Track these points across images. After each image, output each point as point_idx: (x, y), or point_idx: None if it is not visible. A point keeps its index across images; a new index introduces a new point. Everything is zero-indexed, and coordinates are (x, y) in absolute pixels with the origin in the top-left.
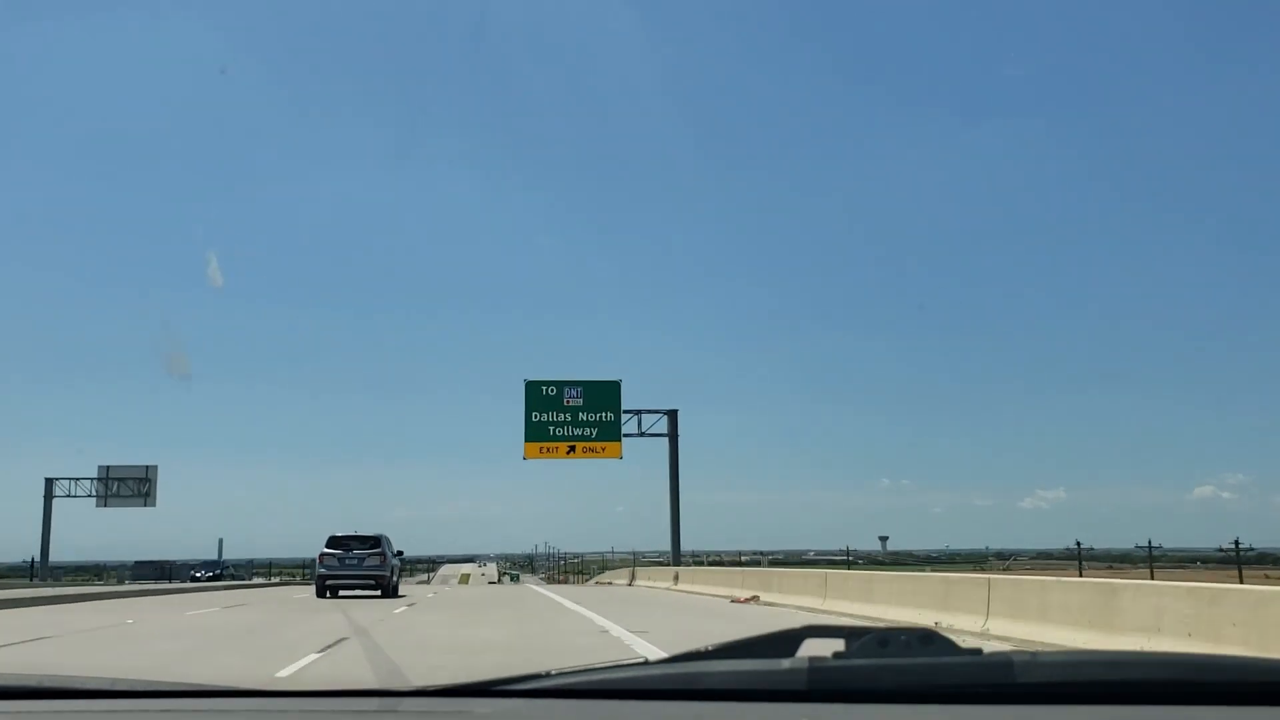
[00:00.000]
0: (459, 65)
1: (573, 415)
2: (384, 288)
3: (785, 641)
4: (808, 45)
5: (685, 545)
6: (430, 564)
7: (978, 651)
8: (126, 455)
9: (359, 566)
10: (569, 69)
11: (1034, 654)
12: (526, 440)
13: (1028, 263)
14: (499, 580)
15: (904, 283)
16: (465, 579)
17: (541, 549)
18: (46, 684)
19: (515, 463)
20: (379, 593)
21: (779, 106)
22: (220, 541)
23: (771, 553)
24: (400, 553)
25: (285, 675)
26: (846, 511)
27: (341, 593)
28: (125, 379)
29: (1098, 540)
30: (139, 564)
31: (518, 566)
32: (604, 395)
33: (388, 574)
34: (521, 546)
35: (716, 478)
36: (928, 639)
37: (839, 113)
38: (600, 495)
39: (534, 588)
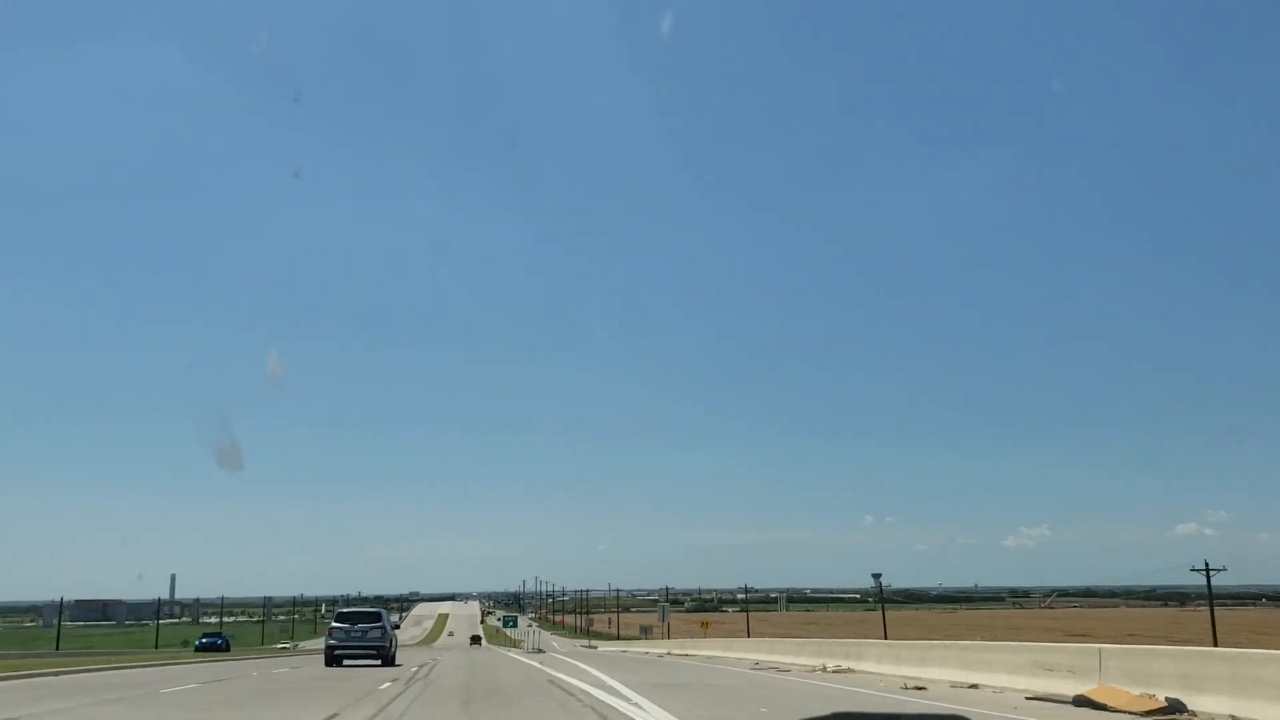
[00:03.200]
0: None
1: None
2: (359, 321)
3: None
4: (801, 79)
5: (675, 583)
6: (403, 604)
7: None
8: (78, 492)
9: (363, 638)
10: (560, 99)
11: None
12: None
13: (1010, 302)
14: (483, 623)
15: (889, 321)
16: (441, 624)
17: (530, 585)
18: None
19: (494, 499)
20: (379, 661)
21: (768, 140)
22: (173, 578)
23: (778, 590)
24: (397, 625)
25: None
26: (833, 549)
27: (346, 662)
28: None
29: (1081, 578)
30: (78, 603)
31: (502, 605)
32: None
33: (387, 645)
34: (502, 584)
35: (703, 517)
36: None
37: (828, 145)
38: (582, 533)
39: None
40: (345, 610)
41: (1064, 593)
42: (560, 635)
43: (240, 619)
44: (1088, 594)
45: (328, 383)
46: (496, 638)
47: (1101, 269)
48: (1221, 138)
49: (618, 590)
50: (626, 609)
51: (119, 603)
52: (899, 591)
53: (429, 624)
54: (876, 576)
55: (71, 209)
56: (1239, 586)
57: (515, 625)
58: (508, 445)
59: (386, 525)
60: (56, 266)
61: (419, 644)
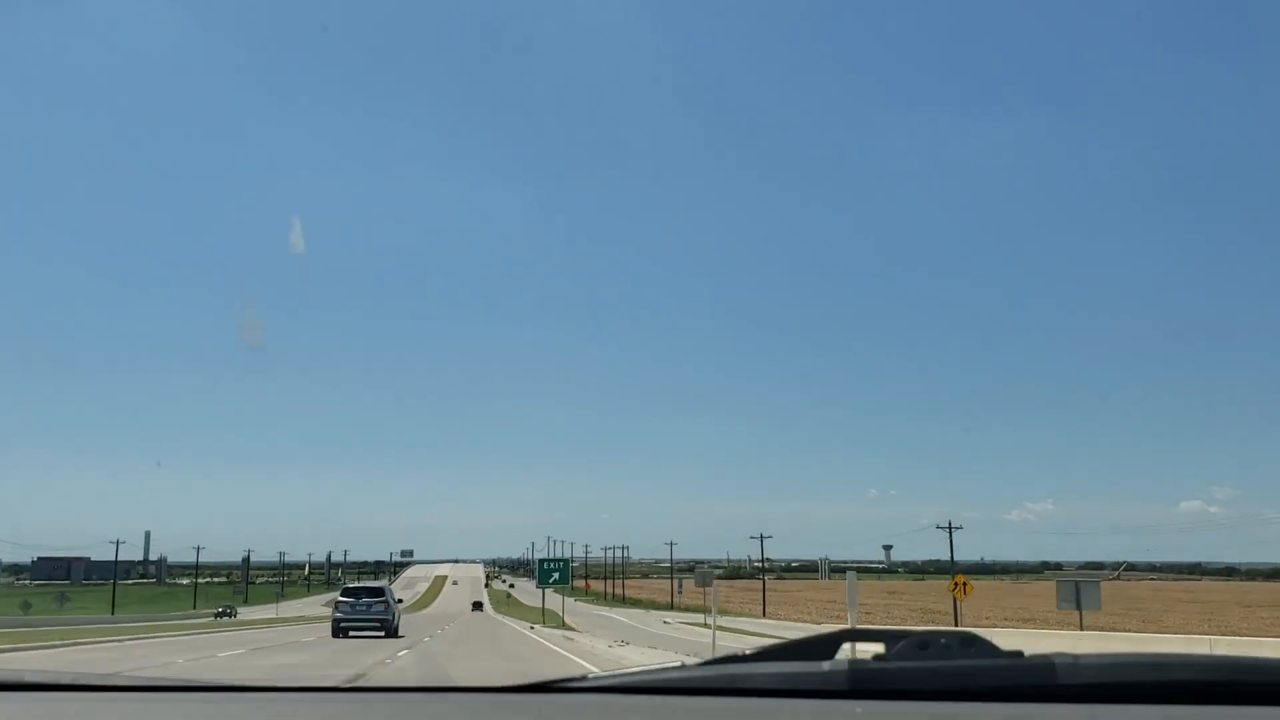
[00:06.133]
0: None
1: None
2: (359, 284)
3: (824, 644)
4: (807, 41)
5: (679, 554)
6: (396, 567)
7: (1019, 654)
8: (75, 447)
9: (367, 612)
10: (565, 67)
11: (1076, 656)
12: None
13: (1015, 275)
14: (487, 586)
15: (897, 295)
16: (437, 588)
17: (541, 546)
18: (92, 681)
19: (498, 467)
20: (383, 634)
21: (781, 107)
22: (147, 535)
23: (785, 561)
24: (400, 600)
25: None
26: (837, 521)
27: (351, 634)
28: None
29: (1083, 553)
30: (41, 560)
31: (509, 570)
32: None
33: (390, 618)
34: (505, 552)
35: (706, 485)
36: (969, 641)
37: (841, 112)
38: (584, 502)
39: None
40: (351, 586)
41: (1098, 565)
42: (609, 607)
43: (217, 580)
44: (1129, 567)
45: (326, 346)
46: (508, 607)
47: (1108, 242)
48: (1249, 118)
49: (679, 548)
50: (646, 575)
51: (83, 560)
52: (929, 562)
53: (423, 587)
54: (887, 548)
55: (68, 163)
56: (1247, 564)
57: (561, 578)
58: (509, 413)
59: (384, 491)
60: (46, 224)
61: (404, 610)
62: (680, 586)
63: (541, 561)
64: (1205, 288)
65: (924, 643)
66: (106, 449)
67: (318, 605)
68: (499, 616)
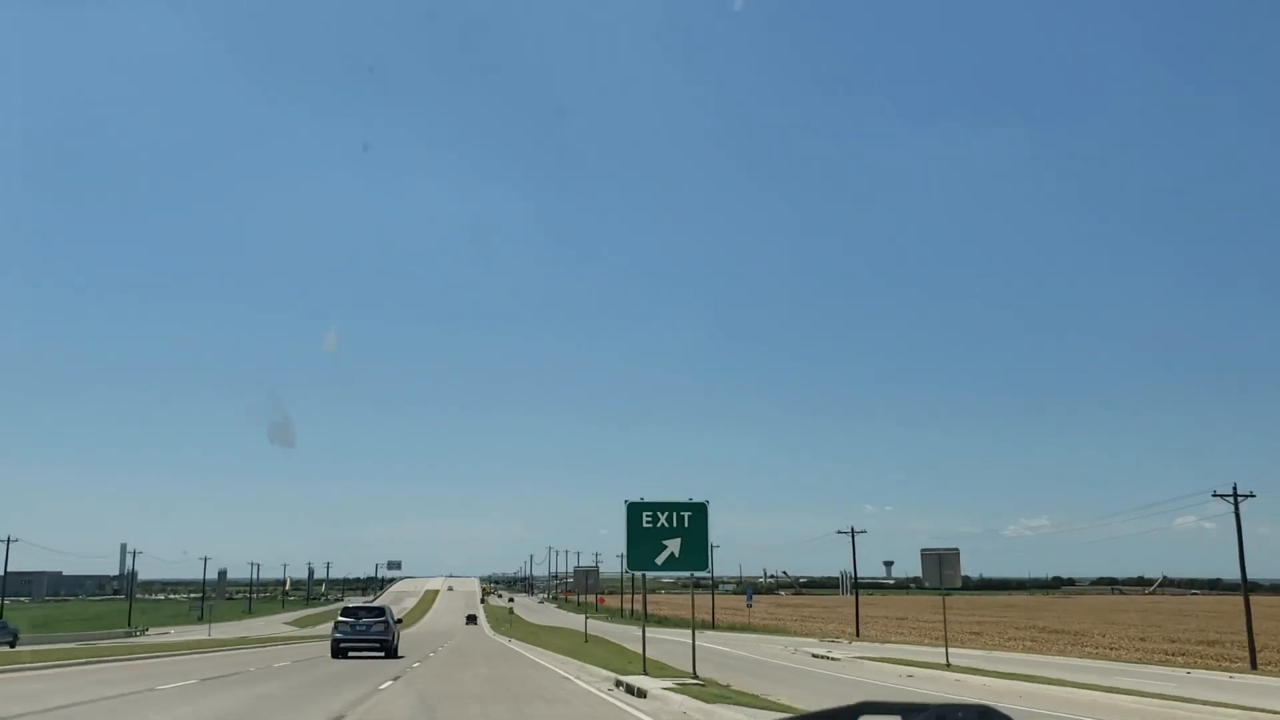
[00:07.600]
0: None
1: None
2: (353, 296)
3: (840, 718)
4: (811, 54)
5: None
6: (382, 583)
7: None
8: (62, 462)
9: (367, 632)
10: (567, 77)
11: None
12: None
13: (1011, 290)
14: (483, 602)
15: (890, 308)
16: (428, 603)
17: (541, 561)
18: None
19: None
20: (383, 654)
21: (786, 120)
22: (123, 547)
23: (791, 576)
24: (400, 620)
25: None
26: (832, 536)
27: (351, 654)
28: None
29: (1080, 569)
30: (11, 575)
31: (504, 586)
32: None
33: (390, 638)
34: (501, 568)
35: (703, 497)
36: (985, 715)
37: (833, 123)
38: (579, 518)
39: None
40: (351, 605)
41: (1111, 580)
42: (652, 627)
43: (193, 595)
44: (1142, 583)
45: (312, 354)
46: (511, 627)
47: (1102, 256)
48: (1232, 136)
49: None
50: (655, 591)
51: (58, 574)
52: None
53: (410, 602)
54: (888, 564)
55: (127, 178)
56: (1266, 579)
57: (693, 557)
58: (500, 424)
59: (374, 506)
60: (103, 236)
61: None
62: (750, 600)
63: (633, 508)
64: (1198, 300)
65: (940, 716)
66: (95, 462)
67: (279, 624)
68: (507, 641)
